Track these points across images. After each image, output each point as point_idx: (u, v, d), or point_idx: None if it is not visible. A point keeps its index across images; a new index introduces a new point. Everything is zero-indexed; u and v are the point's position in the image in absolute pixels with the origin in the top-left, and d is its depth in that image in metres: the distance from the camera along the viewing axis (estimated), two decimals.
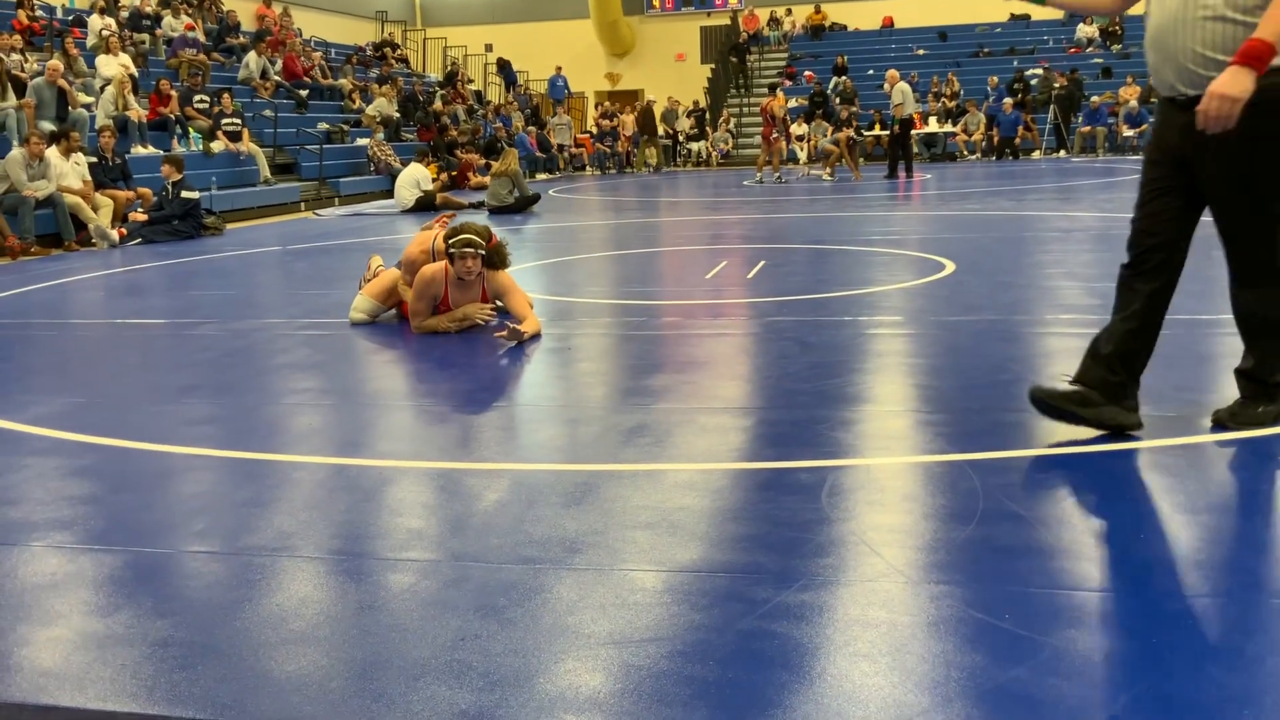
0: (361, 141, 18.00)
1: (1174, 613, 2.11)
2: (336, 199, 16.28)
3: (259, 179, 14.92)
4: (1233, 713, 1.75)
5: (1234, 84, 2.78)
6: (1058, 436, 3.31)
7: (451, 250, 5.09)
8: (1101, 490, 2.82)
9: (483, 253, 5.10)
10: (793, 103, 22.26)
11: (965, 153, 21.93)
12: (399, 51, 26.33)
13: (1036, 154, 22.12)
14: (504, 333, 4.94)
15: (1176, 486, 2.81)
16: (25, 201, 10.21)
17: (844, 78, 24.69)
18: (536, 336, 5.10)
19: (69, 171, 10.90)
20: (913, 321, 5.23)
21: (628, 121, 24.32)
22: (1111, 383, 3.20)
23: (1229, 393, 3.81)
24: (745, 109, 26.07)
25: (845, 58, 25.98)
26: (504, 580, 2.38)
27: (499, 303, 5.44)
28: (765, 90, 23.63)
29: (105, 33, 14.80)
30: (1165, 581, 2.25)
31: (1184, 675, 1.87)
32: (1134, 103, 21.72)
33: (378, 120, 18.62)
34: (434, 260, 5.47)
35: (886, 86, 17.45)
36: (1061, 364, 4.25)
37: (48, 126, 11.68)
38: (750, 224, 10.76)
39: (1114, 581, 2.26)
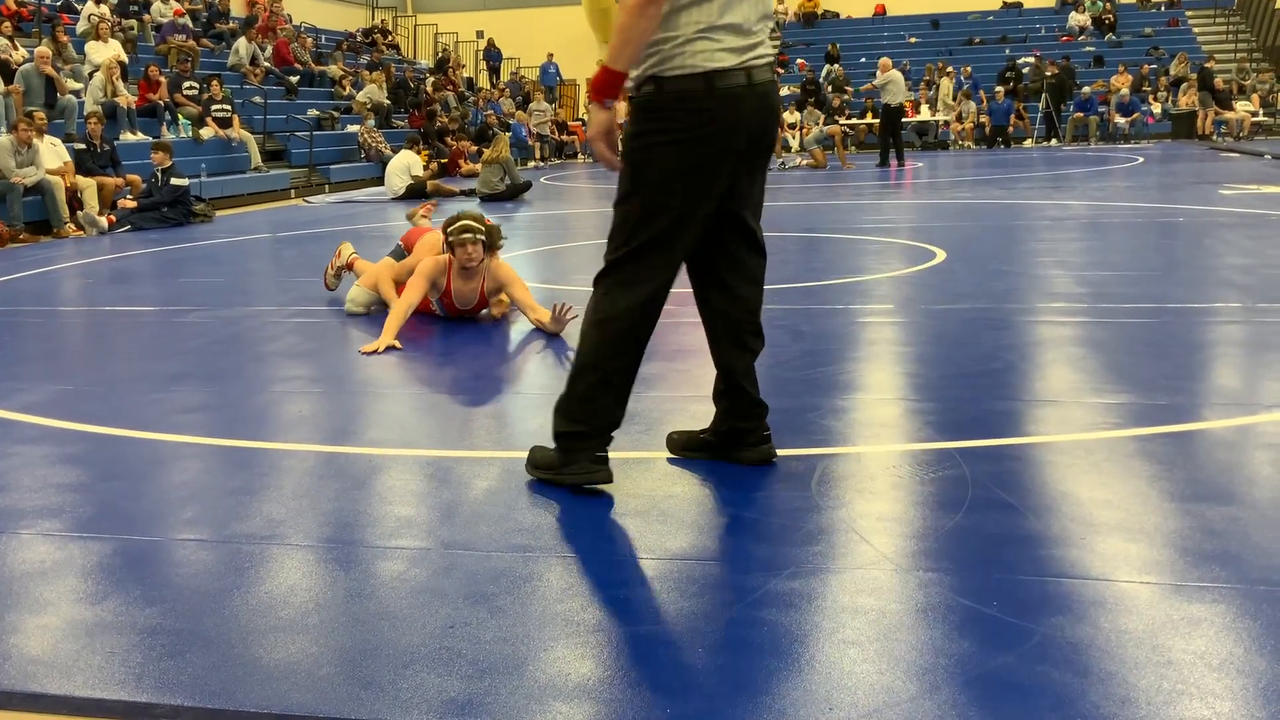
0: (352, 128, 17.93)
1: (1165, 600, 2.12)
2: (327, 186, 16.22)
3: (249, 166, 14.85)
4: (1229, 699, 1.77)
5: (590, 126, 2.76)
6: (1047, 425, 3.32)
7: (451, 239, 5.00)
8: (1090, 478, 2.82)
9: (482, 237, 5.00)
10: (785, 91, 22.22)
11: (959, 141, 21.93)
12: (390, 38, 26.23)
13: (1028, 142, 22.14)
14: (552, 326, 4.90)
15: (1165, 474, 2.82)
16: (13, 188, 10.17)
17: (836, 66, 24.66)
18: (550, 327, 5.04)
19: (45, 152, 10.83)
20: (903, 310, 5.24)
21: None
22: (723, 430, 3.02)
23: (1218, 381, 3.83)
24: None
25: (838, 46, 25.95)
26: (494, 568, 2.38)
27: (503, 298, 5.39)
28: None
29: (95, 18, 14.71)
30: (1155, 570, 2.26)
31: (1175, 665, 1.88)
32: (1125, 91, 21.75)
33: (368, 107, 18.55)
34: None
35: (879, 75, 17.48)
36: (1050, 352, 4.27)
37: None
38: None
39: (1102, 569, 2.27)
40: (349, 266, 6.10)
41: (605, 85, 2.64)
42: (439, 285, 5.23)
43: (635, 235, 2.72)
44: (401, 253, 5.77)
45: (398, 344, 4.84)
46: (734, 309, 2.90)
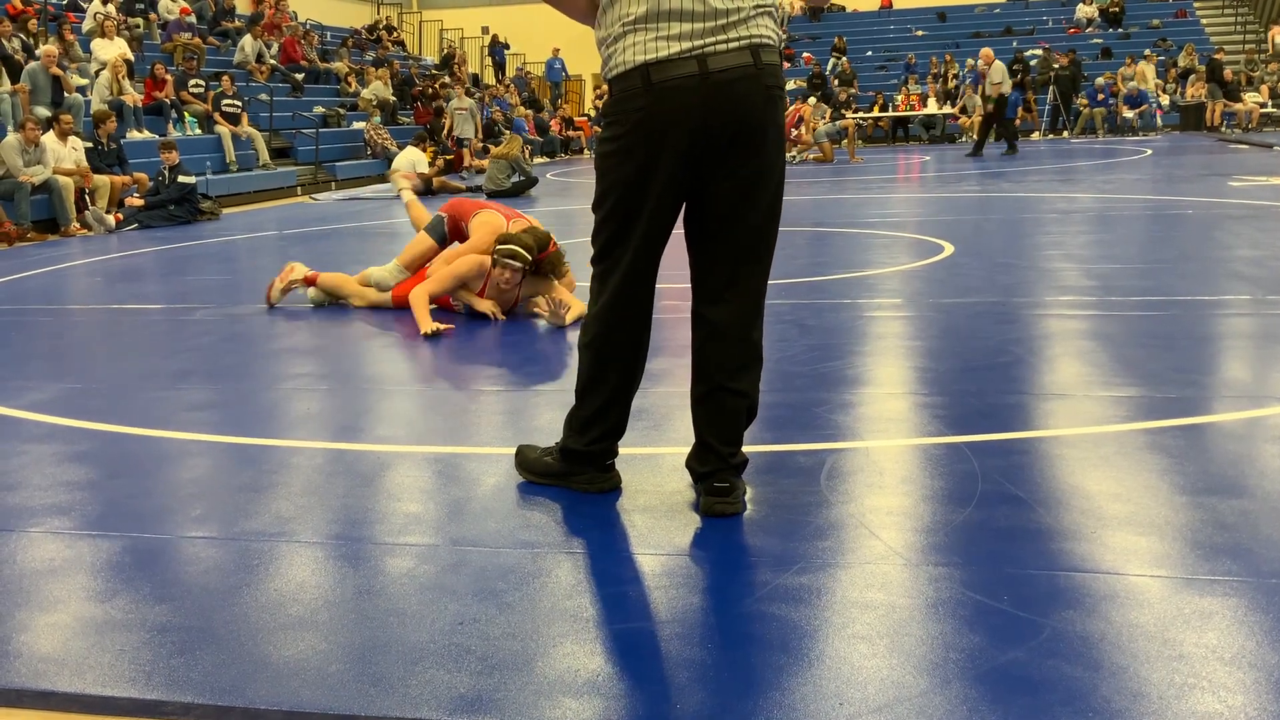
0: (358, 125, 17.93)
1: (1176, 594, 2.11)
2: (333, 183, 16.23)
3: (256, 163, 14.86)
4: (1239, 693, 1.76)
5: None
6: (1056, 419, 3.31)
7: (495, 255, 5.05)
8: (1099, 472, 2.81)
9: (522, 267, 5.05)
10: (790, 84, 22.19)
11: (971, 134, 21.86)
12: (395, 34, 26.23)
13: (1036, 135, 22.06)
14: (545, 311, 4.98)
15: (1175, 468, 2.81)
16: (21, 187, 10.19)
17: (843, 59, 24.60)
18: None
19: (66, 155, 10.87)
20: (911, 304, 5.22)
21: None
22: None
23: (1227, 374, 3.82)
24: None
25: (844, 39, 25.89)
26: (502, 564, 2.38)
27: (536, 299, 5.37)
28: None
29: (101, 17, 14.73)
30: (1165, 564, 2.25)
31: (1187, 658, 1.88)
32: (1136, 83, 21.67)
33: (374, 104, 18.55)
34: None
35: (982, 65, 17.47)
36: (1059, 345, 4.25)
37: (43, 112, 11.63)
38: None
39: (1113, 563, 2.26)
40: (308, 281, 5.80)
41: None
42: (472, 286, 5.24)
43: (596, 239, 2.65)
44: (441, 228, 5.59)
45: (439, 326, 4.97)
46: (703, 331, 2.62)
